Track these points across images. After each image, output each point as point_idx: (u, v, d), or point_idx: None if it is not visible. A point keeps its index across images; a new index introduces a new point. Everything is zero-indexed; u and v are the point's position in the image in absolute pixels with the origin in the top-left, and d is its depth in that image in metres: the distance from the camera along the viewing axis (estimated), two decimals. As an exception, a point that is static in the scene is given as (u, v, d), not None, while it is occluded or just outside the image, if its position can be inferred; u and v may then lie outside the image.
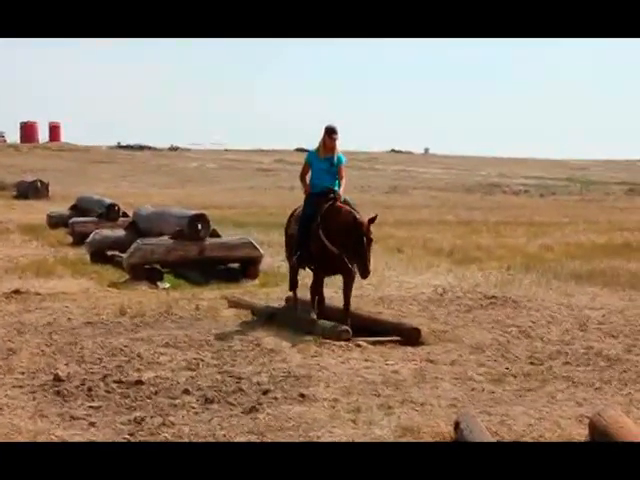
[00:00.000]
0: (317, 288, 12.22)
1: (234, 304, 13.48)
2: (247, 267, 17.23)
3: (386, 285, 16.04)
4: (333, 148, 12.19)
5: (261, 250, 17.54)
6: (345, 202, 12.01)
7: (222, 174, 78.08)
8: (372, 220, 11.33)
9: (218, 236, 17.56)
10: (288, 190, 66.64)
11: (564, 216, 37.72)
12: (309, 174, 12.52)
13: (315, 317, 11.87)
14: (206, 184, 66.38)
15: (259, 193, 59.77)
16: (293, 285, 12.82)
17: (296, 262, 12.49)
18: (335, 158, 12.22)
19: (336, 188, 12.11)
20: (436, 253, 21.39)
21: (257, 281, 16.84)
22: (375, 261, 19.48)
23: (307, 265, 12.50)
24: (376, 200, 48.54)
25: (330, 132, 12.18)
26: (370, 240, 11.26)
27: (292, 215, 13.09)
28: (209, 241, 17.08)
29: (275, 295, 14.50)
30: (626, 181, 79.56)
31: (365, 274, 11.26)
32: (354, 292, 14.95)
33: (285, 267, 18.42)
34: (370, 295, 14.67)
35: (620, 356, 10.48)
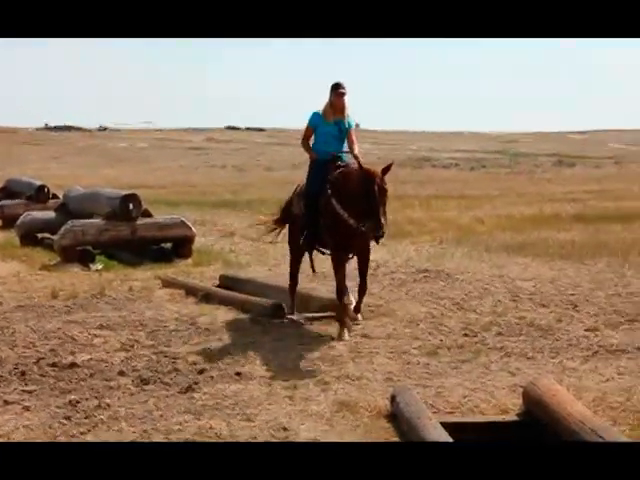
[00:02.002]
0: (339, 270, 10.49)
1: (168, 284, 13.42)
2: (180, 246, 17.17)
3: (320, 261, 16.04)
4: (343, 108, 10.59)
5: (194, 229, 17.48)
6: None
7: (152, 153, 77.55)
8: (386, 170, 9.69)
9: (150, 216, 17.45)
10: (219, 168, 66.50)
11: (494, 189, 38.04)
12: (312, 139, 10.92)
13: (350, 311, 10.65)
14: (136, 164, 65.88)
15: (190, 172, 59.48)
16: (293, 277, 11.56)
17: (304, 244, 11.06)
18: (346, 122, 10.66)
19: (343, 153, 10.71)
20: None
21: (190, 260, 16.78)
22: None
23: (317, 248, 11.16)
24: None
25: (337, 87, 10.53)
26: (384, 191, 9.56)
27: (295, 192, 11.47)
28: (141, 221, 16.98)
29: (209, 274, 14.46)
30: (555, 153, 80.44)
31: (380, 232, 9.46)
32: (288, 269, 15.03)
33: (220, 246, 18.45)
34: (305, 271, 14.67)
35: (552, 325, 10.62)
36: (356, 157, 10.34)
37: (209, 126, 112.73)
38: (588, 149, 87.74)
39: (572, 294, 12.40)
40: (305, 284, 13.16)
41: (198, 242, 17.79)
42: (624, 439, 6.02)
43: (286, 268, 14.97)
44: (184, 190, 37.98)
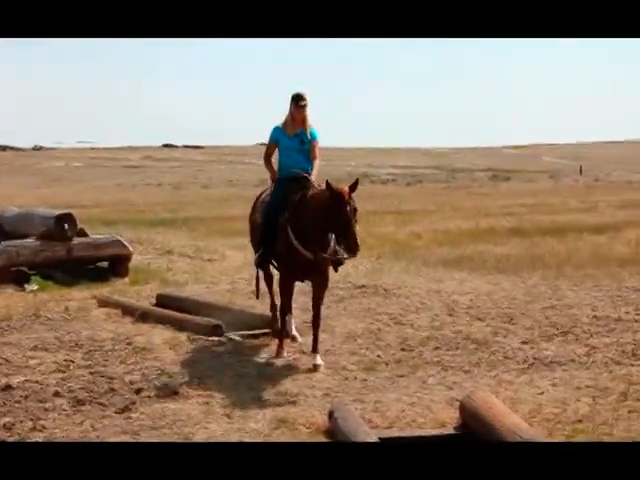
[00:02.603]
0: (286, 293, 10.29)
1: (104, 303, 13.31)
2: (116, 265, 16.99)
3: (258, 278, 16.02)
4: (304, 120, 10.17)
5: (130, 248, 17.32)
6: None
7: (89, 172, 77.03)
8: (353, 187, 9.26)
9: (86, 235, 17.28)
10: (156, 186, 66.22)
11: (431, 203, 38.30)
12: (275, 154, 10.44)
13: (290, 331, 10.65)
14: (72, 183, 65.39)
15: (127, 190, 59.14)
16: (268, 282, 11.30)
17: (258, 261, 10.57)
18: (308, 133, 10.23)
19: (309, 170, 10.17)
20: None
21: (127, 279, 16.61)
22: (246, 255, 19.62)
23: (272, 265, 10.69)
24: (245, 194, 48.49)
25: (297, 99, 10.12)
26: (354, 210, 9.16)
27: (257, 200, 11.06)
28: (77, 240, 16.79)
29: (145, 293, 14.36)
30: (490, 167, 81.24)
31: (355, 250, 9.04)
32: (226, 287, 15.00)
33: (157, 264, 18.33)
34: (243, 289, 14.65)
35: (488, 339, 10.71)
36: (311, 182, 9.95)
37: (146, 144, 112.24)
38: (523, 163, 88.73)
39: (508, 307, 12.53)
40: (242, 301, 13.16)
41: (135, 260, 17.64)
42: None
43: (224, 287, 15.00)
44: (121, 209, 37.73)
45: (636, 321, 11.43)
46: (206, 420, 7.78)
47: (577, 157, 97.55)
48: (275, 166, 10.56)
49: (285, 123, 10.28)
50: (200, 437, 7.31)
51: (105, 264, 17.14)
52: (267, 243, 10.15)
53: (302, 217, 9.61)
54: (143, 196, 49.25)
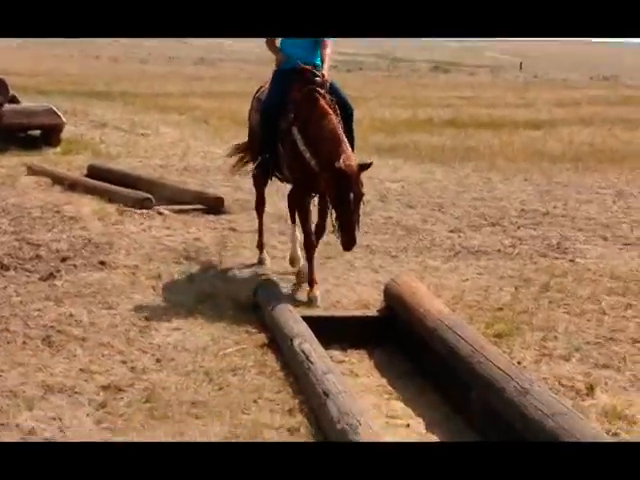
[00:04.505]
0: (298, 200, 8.40)
1: (34, 172, 13.15)
2: (48, 135, 16.78)
3: (191, 155, 15.95)
4: None
5: (63, 118, 17.08)
6: (331, 90, 8.17)
7: (25, 41, 75.28)
8: (364, 167, 7.58)
9: (18, 102, 16.99)
10: (94, 59, 65.07)
11: (371, 91, 38.07)
12: (279, 40, 8.51)
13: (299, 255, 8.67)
14: (8, 50, 63.85)
15: (64, 61, 58.01)
16: (258, 205, 9.36)
17: (258, 171, 8.75)
18: None
19: (318, 63, 8.29)
20: (243, 124, 21.27)
21: (59, 149, 16.43)
22: (181, 131, 19.49)
23: (276, 177, 8.82)
24: (184, 72, 47.91)
25: None
26: (360, 196, 7.59)
27: (255, 96, 9.16)
28: (8, 107, 16.50)
29: (77, 164, 14.22)
30: (432, 59, 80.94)
31: (350, 244, 7.58)
32: (159, 162, 14.90)
33: (90, 136, 18.11)
34: (175, 165, 14.57)
35: (417, 226, 10.78)
36: (322, 77, 8.08)
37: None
38: (464, 57, 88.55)
39: (439, 196, 12.61)
40: (175, 177, 13.11)
41: (68, 132, 17.40)
42: (480, 336, 6.19)
43: (156, 162, 14.89)
44: (56, 79, 37.02)
45: (563, 216, 11.58)
46: (131, 290, 7.78)
47: (519, 54, 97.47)
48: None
49: None
50: (124, 307, 7.32)
51: (37, 133, 16.91)
52: (267, 151, 8.35)
53: (308, 123, 7.88)
54: (80, 68, 48.33)
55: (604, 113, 27.21)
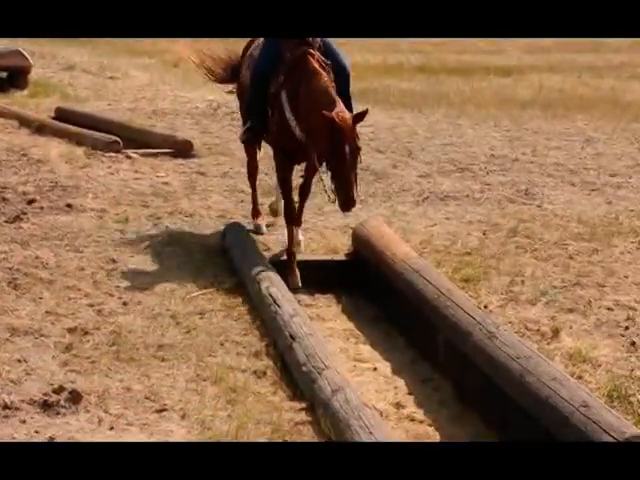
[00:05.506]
0: (280, 171, 7.88)
1: (0, 114, 12.99)
2: (15, 77, 16.57)
3: (160, 99, 15.79)
4: None
5: (31, 60, 16.86)
6: (327, 52, 7.61)
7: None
8: (359, 117, 6.97)
9: (-16, 44, 16.76)
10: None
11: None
12: None
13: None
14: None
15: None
16: (250, 173, 8.69)
17: (246, 137, 8.12)
18: None
19: None
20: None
21: (26, 92, 16.22)
22: (150, 75, 19.29)
23: (265, 140, 8.17)
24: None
25: None
26: (357, 151, 6.93)
27: (245, 52, 8.44)
28: (-26, 49, 16.29)
29: (44, 106, 14.05)
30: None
31: (348, 203, 6.91)
32: (128, 105, 14.77)
33: (59, 78, 17.90)
34: (144, 109, 14.44)
35: (386, 171, 10.76)
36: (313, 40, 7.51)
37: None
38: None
39: (408, 142, 12.57)
40: (143, 120, 13.00)
41: (35, 74, 17.17)
42: (446, 280, 6.21)
43: (125, 105, 14.76)
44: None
45: (532, 162, 11.57)
46: (98, 234, 7.74)
47: None
48: None
49: None
50: (91, 250, 7.30)
51: (4, 75, 16.70)
52: (256, 114, 7.79)
53: (298, 88, 7.34)
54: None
55: (573, 60, 27.13)
